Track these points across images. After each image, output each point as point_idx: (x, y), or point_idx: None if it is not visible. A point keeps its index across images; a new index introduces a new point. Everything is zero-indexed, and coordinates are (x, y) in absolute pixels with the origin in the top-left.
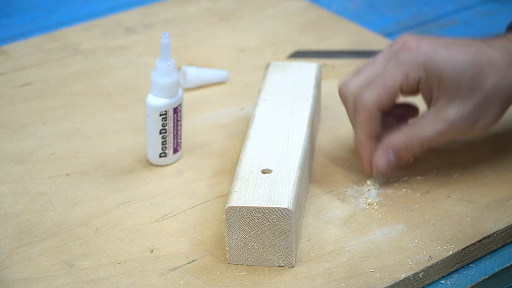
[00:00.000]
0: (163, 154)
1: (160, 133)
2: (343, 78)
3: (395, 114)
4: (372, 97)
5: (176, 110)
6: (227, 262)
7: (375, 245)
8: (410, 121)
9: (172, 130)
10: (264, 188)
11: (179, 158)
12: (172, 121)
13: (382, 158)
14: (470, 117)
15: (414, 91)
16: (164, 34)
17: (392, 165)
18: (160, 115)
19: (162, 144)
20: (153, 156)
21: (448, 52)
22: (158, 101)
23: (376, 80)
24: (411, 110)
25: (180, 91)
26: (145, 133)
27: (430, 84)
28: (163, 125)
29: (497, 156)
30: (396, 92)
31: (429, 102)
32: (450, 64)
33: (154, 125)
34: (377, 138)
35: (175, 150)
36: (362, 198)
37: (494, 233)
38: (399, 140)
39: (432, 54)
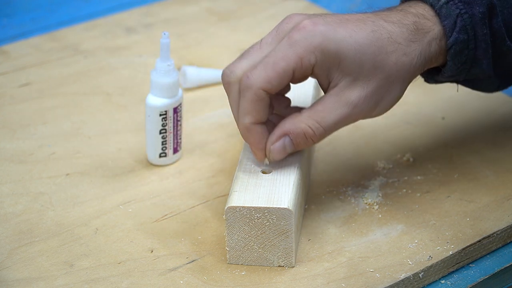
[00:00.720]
0: (163, 154)
1: (160, 133)
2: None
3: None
4: (259, 77)
5: (176, 110)
6: (227, 262)
7: (375, 245)
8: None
9: (172, 130)
10: (264, 188)
11: (179, 158)
12: (172, 121)
13: (277, 145)
14: (373, 97)
15: (306, 76)
16: (164, 34)
17: (288, 152)
18: (160, 115)
19: (162, 144)
20: (153, 156)
21: (346, 30)
22: (158, 101)
23: (266, 59)
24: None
25: (180, 91)
26: (145, 133)
27: (329, 66)
28: (163, 125)
29: (497, 156)
30: (288, 75)
31: (325, 85)
32: (350, 41)
33: (154, 125)
34: (265, 123)
35: (175, 150)
36: (362, 198)
37: (494, 233)
38: (298, 128)
39: (330, 34)
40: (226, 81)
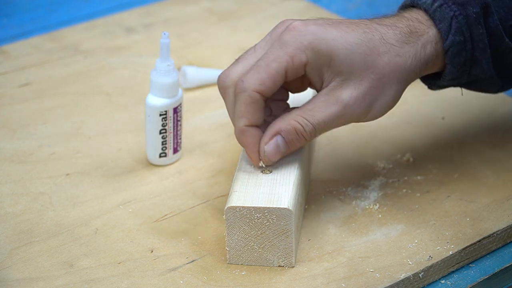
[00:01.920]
0: (163, 154)
1: (160, 133)
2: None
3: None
4: (253, 80)
5: (176, 110)
6: (227, 262)
7: (375, 245)
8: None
9: (172, 130)
10: (264, 188)
11: (179, 158)
12: (172, 121)
13: (270, 144)
14: (366, 98)
15: (299, 76)
16: (164, 34)
17: (282, 152)
18: (160, 115)
19: (162, 144)
20: (153, 156)
21: (337, 31)
22: (158, 101)
23: (258, 62)
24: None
25: (180, 91)
26: (145, 133)
27: (320, 65)
28: (163, 125)
29: (497, 156)
30: (281, 75)
31: (319, 86)
32: (341, 41)
33: (154, 125)
34: (260, 127)
35: (175, 150)
36: (362, 198)
37: (494, 233)
38: (288, 124)
39: (320, 33)
40: (221, 86)
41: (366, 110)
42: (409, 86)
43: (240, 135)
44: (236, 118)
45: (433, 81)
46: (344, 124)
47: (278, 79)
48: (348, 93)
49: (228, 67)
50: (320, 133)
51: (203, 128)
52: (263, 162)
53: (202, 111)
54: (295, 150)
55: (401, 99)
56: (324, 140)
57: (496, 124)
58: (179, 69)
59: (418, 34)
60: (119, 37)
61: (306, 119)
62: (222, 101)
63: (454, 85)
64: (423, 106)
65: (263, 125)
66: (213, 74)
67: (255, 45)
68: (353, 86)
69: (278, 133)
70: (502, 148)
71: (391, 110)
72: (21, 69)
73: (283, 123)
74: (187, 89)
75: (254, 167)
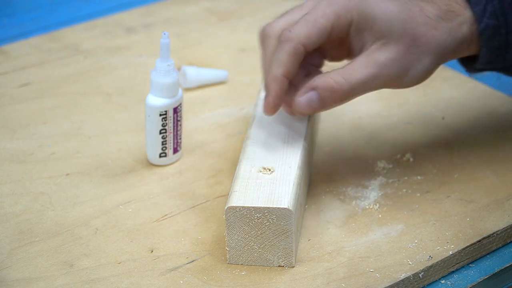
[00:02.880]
0: (163, 154)
1: (160, 133)
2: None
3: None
4: (300, 31)
5: (176, 110)
6: (227, 262)
7: (375, 245)
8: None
9: (172, 130)
10: (264, 188)
11: (179, 158)
12: (172, 121)
13: (304, 97)
14: (402, 62)
15: (343, 36)
16: (164, 34)
17: (314, 106)
18: (160, 115)
19: (162, 144)
20: (153, 156)
21: None
22: (158, 101)
23: (306, 16)
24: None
25: (180, 91)
26: (145, 133)
27: (363, 26)
28: (163, 125)
29: (497, 156)
30: (327, 31)
31: (357, 50)
32: (383, 6)
33: (154, 125)
34: (289, 82)
35: (175, 150)
36: (362, 198)
37: (494, 233)
38: (325, 82)
39: None
40: (264, 34)
41: (402, 74)
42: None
43: (272, 83)
44: (274, 65)
45: (470, 64)
46: (381, 87)
47: (324, 35)
48: (386, 55)
49: (274, 20)
50: (356, 94)
51: (203, 128)
52: (293, 112)
53: (202, 111)
54: (327, 109)
55: (401, 99)
56: (324, 140)
57: (496, 124)
58: (179, 69)
59: (455, 13)
60: (119, 37)
61: (344, 78)
62: (222, 101)
63: (491, 69)
64: (423, 106)
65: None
66: (213, 74)
67: (303, 3)
68: (391, 49)
69: (314, 88)
70: (502, 148)
71: (391, 110)
72: (21, 69)
73: (320, 79)
74: (187, 89)
75: (254, 166)
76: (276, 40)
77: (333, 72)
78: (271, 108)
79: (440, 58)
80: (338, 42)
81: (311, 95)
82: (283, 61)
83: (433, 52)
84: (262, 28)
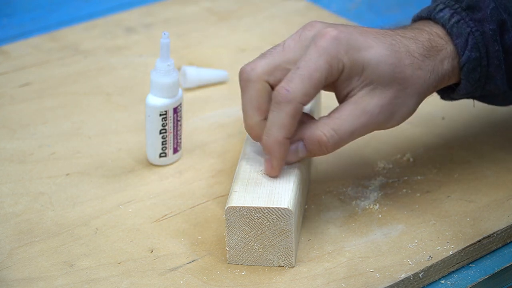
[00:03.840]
0: (163, 154)
1: (160, 133)
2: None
3: None
4: (298, 89)
5: (176, 110)
6: (227, 262)
7: (375, 245)
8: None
9: (172, 130)
10: (264, 188)
11: (179, 158)
12: (172, 121)
13: (292, 148)
14: (389, 108)
15: (332, 83)
16: (164, 34)
17: (300, 156)
18: (160, 115)
19: (162, 144)
20: (153, 156)
21: (368, 41)
22: (158, 101)
23: (300, 71)
24: None
25: (180, 91)
26: (145, 133)
27: (353, 73)
28: (163, 125)
29: (497, 156)
30: (322, 84)
31: (343, 96)
32: (372, 51)
33: (154, 125)
34: None
35: (175, 150)
36: (362, 198)
37: (494, 233)
38: (312, 133)
39: (353, 42)
40: (245, 78)
41: (388, 118)
42: None
43: (275, 146)
44: (275, 127)
45: (446, 93)
46: (368, 133)
47: (320, 87)
48: (375, 102)
49: (253, 60)
50: (343, 144)
51: (203, 128)
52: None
53: (202, 111)
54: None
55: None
56: None
57: (496, 124)
58: (179, 69)
59: (438, 49)
60: (119, 37)
61: (333, 130)
62: (222, 101)
63: (468, 98)
64: (423, 106)
65: None
66: (213, 74)
67: (284, 42)
68: (380, 96)
69: (300, 139)
70: (502, 148)
71: None
72: (21, 69)
73: (308, 131)
74: (187, 89)
75: (254, 166)
76: (258, 85)
77: (321, 122)
78: (276, 171)
79: (423, 96)
80: (326, 86)
81: (298, 145)
82: (284, 124)
83: (417, 93)
84: (242, 69)
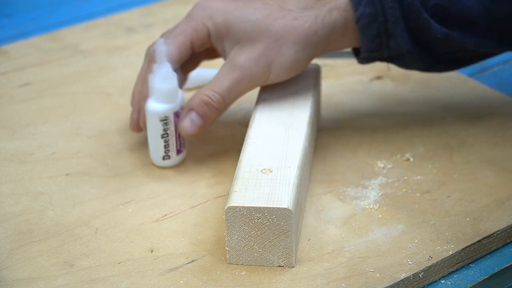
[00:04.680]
0: (166, 157)
1: (162, 137)
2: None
3: None
4: (164, 51)
5: (177, 114)
6: (227, 262)
7: (375, 245)
8: None
9: (174, 134)
10: (264, 188)
11: (184, 158)
12: (173, 125)
13: (186, 120)
14: (262, 59)
15: (209, 46)
16: (159, 41)
17: (197, 124)
18: (161, 120)
19: (165, 147)
20: (157, 158)
21: (235, 4)
22: (158, 106)
23: (169, 35)
24: None
25: (180, 94)
26: (147, 137)
27: (220, 35)
28: (164, 130)
29: (497, 156)
30: (187, 47)
31: (224, 56)
32: (236, 13)
33: (155, 130)
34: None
35: (179, 152)
36: (362, 198)
37: (494, 233)
38: (197, 99)
39: (220, 7)
40: (147, 53)
41: (265, 71)
42: (410, 86)
43: (136, 95)
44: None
45: (358, 55)
46: (248, 88)
47: (185, 50)
48: (244, 57)
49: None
50: (230, 101)
51: None
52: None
53: None
54: (212, 123)
55: (401, 98)
56: (324, 140)
57: (496, 124)
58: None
59: (326, 2)
60: (119, 37)
61: (212, 90)
62: None
63: (378, 59)
64: (423, 106)
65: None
66: (213, 74)
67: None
68: (248, 50)
69: (191, 109)
70: (502, 148)
71: (391, 110)
72: (21, 69)
73: (193, 99)
74: (187, 89)
75: (254, 166)
76: (148, 57)
77: (203, 88)
78: (133, 127)
79: (307, 46)
80: (209, 52)
81: (191, 116)
82: (141, 74)
83: (294, 42)
84: (148, 47)
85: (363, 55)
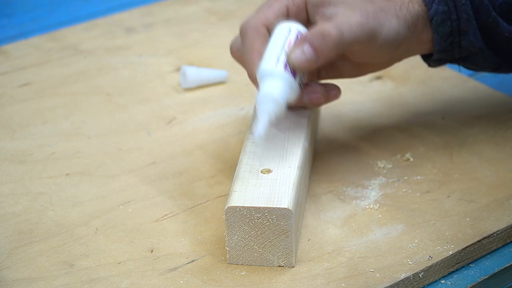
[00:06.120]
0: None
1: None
2: None
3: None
4: (257, 16)
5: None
6: (227, 262)
7: (375, 245)
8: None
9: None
10: (264, 188)
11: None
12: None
13: (297, 51)
14: (375, 15)
15: (304, 15)
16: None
17: (308, 58)
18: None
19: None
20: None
21: None
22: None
23: (263, 5)
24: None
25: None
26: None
27: (318, 3)
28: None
29: (497, 156)
30: (282, 11)
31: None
32: None
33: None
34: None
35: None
36: (362, 198)
37: (494, 233)
38: (315, 30)
39: None
40: (242, 29)
41: (378, 27)
42: (409, 86)
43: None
44: (246, 53)
45: (429, 58)
46: (364, 39)
47: (280, 16)
48: (359, 8)
49: (250, 16)
50: (345, 41)
51: (203, 128)
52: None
53: (202, 111)
54: (324, 60)
55: (401, 98)
56: (324, 140)
57: (496, 124)
58: (179, 69)
59: None
60: (119, 37)
61: (334, 24)
62: (222, 101)
63: (449, 61)
64: (423, 106)
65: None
66: (213, 74)
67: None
68: (360, 9)
69: (305, 40)
70: (502, 148)
71: (391, 109)
72: (21, 69)
73: (310, 31)
74: (187, 89)
75: (254, 166)
76: (255, 31)
77: (320, 23)
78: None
79: (403, 25)
80: (301, 16)
81: (304, 47)
82: (252, 47)
83: (396, 16)
84: (241, 25)
85: (436, 56)
